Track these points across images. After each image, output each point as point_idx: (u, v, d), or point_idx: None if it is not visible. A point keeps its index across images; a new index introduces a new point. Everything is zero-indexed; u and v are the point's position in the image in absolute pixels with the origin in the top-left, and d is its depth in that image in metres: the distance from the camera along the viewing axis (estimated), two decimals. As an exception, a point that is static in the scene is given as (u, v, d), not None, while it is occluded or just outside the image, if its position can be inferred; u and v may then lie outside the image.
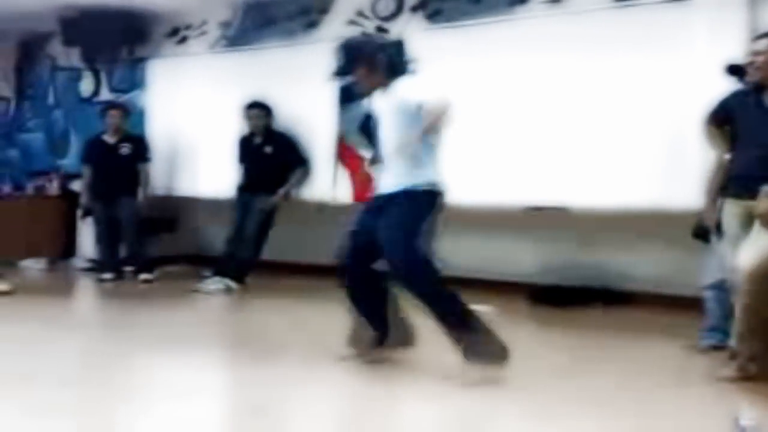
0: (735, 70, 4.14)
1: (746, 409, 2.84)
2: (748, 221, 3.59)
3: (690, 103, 5.02)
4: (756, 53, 3.64)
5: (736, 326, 3.55)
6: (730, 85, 4.02)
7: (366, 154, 6.61)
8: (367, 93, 3.77)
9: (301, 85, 6.84)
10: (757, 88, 3.68)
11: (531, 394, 3.34)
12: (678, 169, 5.07)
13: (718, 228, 3.85)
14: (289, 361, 3.89)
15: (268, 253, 6.62)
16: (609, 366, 3.93)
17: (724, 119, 3.81)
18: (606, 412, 3.09)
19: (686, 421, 3.01)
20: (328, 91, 6.62)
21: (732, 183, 3.74)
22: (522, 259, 6.17)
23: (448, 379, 3.41)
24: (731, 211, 3.70)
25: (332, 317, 5.05)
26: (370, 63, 3.64)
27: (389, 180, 3.65)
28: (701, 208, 4.03)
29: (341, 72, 3.77)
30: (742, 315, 3.49)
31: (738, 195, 3.66)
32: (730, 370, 3.60)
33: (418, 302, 3.48)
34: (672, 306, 5.28)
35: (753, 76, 3.68)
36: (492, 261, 6.25)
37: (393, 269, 3.53)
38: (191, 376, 3.63)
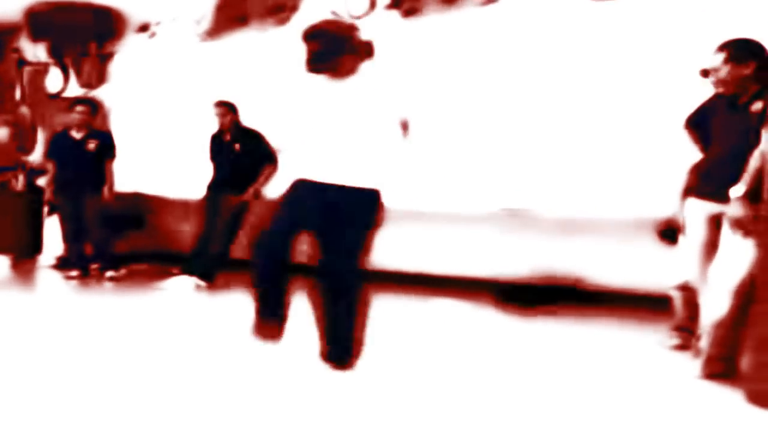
0: (706, 74, 4.17)
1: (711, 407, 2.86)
2: (710, 224, 3.62)
3: (662, 106, 5.09)
4: (714, 69, 3.62)
5: (713, 334, 3.55)
6: (706, 88, 4.05)
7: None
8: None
9: (272, 82, 6.81)
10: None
11: (496, 393, 3.34)
12: (650, 171, 5.11)
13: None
14: (256, 358, 3.85)
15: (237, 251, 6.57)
16: (573, 364, 3.94)
17: (698, 123, 3.82)
18: (569, 411, 3.09)
19: (649, 421, 3.02)
20: (301, 88, 6.59)
21: (699, 182, 3.76)
22: (490, 257, 6.18)
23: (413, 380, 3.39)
24: (694, 209, 3.73)
25: (300, 315, 5.02)
26: (354, 48, 3.42)
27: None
28: (669, 210, 4.06)
29: (326, 59, 3.41)
30: (722, 325, 3.49)
31: (703, 194, 3.69)
32: (694, 369, 3.63)
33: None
34: (638, 305, 5.31)
35: (717, 89, 3.68)
36: (461, 259, 6.25)
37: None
38: (156, 377, 3.58)
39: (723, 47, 3.60)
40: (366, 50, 3.47)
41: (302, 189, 3.44)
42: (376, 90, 3.43)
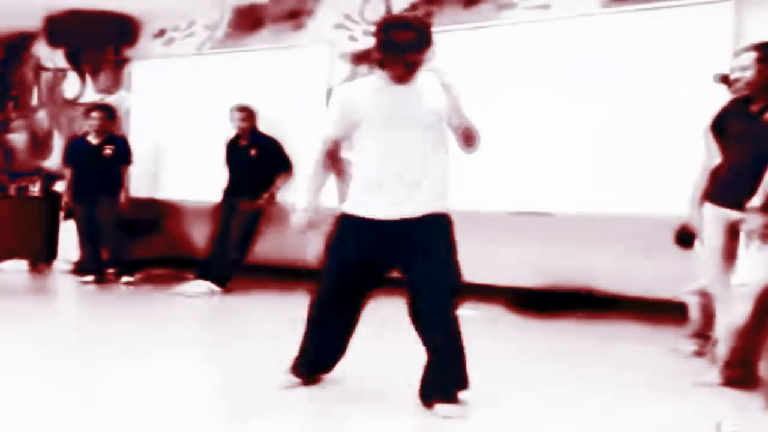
0: (724, 79, 4.14)
1: (728, 414, 2.83)
2: (727, 230, 3.59)
3: (675, 109, 5.06)
4: (743, 68, 3.58)
5: (731, 340, 3.51)
6: (719, 93, 4.02)
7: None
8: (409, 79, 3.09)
9: (288, 88, 6.83)
10: (745, 99, 3.66)
11: (508, 400, 3.31)
12: (662, 175, 5.08)
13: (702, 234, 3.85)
14: (270, 367, 3.84)
15: (251, 256, 6.59)
16: (590, 371, 3.91)
17: (721, 127, 3.78)
18: (587, 418, 3.07)
19: (668, 427, 2.99)
20: (316, 94, 6.63)
21: (715, 189, 3.73)
22: (503, 263, 6.15)
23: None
24: (711, 215, 3.69)
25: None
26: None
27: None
28: (686, 215, 4.03)
29: (420, 48, 3.01)
30: (740, 332, 3.45)
31: (719, 201, 3.66)
32: (711, 375, 3.60)
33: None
34: (653, 311, 5.28)
35: (742, 91, 3.62)
36: (473, 265, 6.22)
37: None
38: (171, 382, 3.58)
39: (755, 47, 3.58)
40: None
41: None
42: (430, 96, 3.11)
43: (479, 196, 5.80)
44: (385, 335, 4.33)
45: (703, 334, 4.15)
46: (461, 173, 5.75)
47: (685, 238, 4.12)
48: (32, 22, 8.00)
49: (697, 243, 4.01)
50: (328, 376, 3.41)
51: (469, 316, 5.46)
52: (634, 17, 5.44)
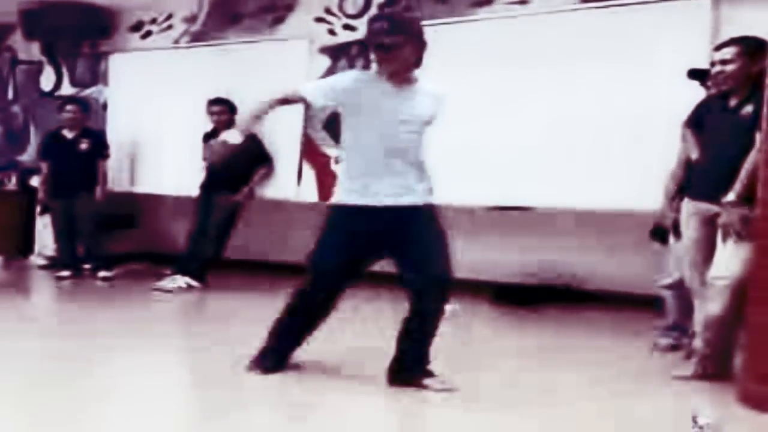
0: (697, 74, 4.17)
1: (704, 407, 2.86)
2: (704, 224, 3.61)
3: (653, 105, 5.09)
4: (723, 62, 3.59)
5: (707, 334, 3.54)
6: (695, 89, 4.05)
7: (331, 152, 6.58)
8: (397, 76, 3.24)
9: (266, 82, 6.79)
10: (723, 94, 3.67)
11: (487, 394, 3.32)
12: (639, 170, 5.11)
13: (676, 228, 3.89)
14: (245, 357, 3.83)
15: (229, 251, 6.56)
16: (568, 365, 3.93)
17: (698, 122, 3.79)
18: (564, 412, 3.09)
19: (644, 420, 3.01)
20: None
21: (692, 184, 3.76)
22: (484, 257, 6.17)
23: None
24: (688, 211, 3.72)
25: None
26: (421, 44, 3.22)
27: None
28: (660, 209, 4.07)
29: (388, 42, 3.12)
30: (716, 325, 3.49)
31: (696, 196, 3.68)
32: (687, 369, 3.64)
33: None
34: (631, 305, 5.32)
35: (722, 85, 3.63)
36: (454, 259, 6.23)
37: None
38: (151, 378, 3.56)
39: (736, 41, 3.58)
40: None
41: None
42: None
43: (460, 190, 5.80)
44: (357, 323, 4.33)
45: (680, 327, 4.19)
46: (442, 168, 5.81)
47: (660, 232, 4.15)
48: (7, 14, 7.89)
49: (671, 238, 4.05)
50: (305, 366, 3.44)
51: (451, 310, 5.50)
52: (611, 12, 5.47)
